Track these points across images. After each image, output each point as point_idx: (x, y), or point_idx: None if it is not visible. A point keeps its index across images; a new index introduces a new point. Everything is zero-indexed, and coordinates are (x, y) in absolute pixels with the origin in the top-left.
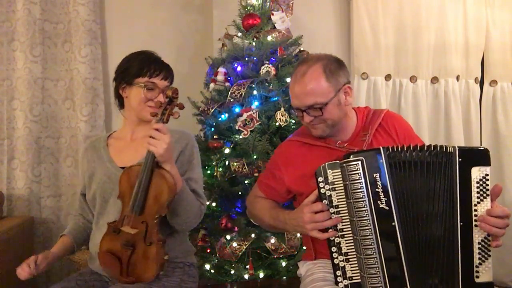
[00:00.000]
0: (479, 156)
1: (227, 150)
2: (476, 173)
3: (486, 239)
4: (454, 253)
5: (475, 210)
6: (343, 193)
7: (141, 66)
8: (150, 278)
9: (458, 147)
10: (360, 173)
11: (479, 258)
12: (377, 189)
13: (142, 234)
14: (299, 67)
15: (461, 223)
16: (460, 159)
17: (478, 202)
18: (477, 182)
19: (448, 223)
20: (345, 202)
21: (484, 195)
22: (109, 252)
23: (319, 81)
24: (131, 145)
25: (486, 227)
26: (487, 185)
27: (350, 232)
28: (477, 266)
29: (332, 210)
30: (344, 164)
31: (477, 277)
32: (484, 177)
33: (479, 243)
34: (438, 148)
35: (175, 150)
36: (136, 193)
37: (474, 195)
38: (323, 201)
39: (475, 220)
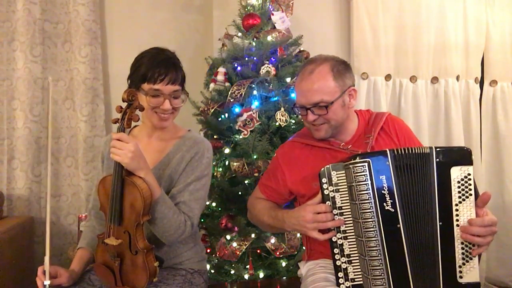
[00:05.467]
0: (459, 156)
1: (227, 150)
2: (457, 172)
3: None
4: (434, 253)
5: (457, 210)
6: (347, 195)
7: (147, 69)
8: (143, 286)
9: (435, 147)
10: (366, 174)
11: (462, 258)
12: (383, 191)
13: (127, 244)
14: (306, 66)
15: (440, 223)
16: (437, 159)
17: (460, 202)
18: (458, 182)
19: (430, 224)
20: (348, 204)
21: (467, 194)
22: (102, 264)
23: (326, 80)
24: (147, 149)
25: (467, 238)
26: (470, 184)
27: (353, 233)
28: (460, 266)
29: (335, 211)
30: (351, 166)
31: (461, 277)
32: (466, 177)
33: (462, 243)
34: (417, 150)
35: (184, 160)
36: (111, 203)
37: (455, 194)
38: (327, 203)
39: (457, 220)
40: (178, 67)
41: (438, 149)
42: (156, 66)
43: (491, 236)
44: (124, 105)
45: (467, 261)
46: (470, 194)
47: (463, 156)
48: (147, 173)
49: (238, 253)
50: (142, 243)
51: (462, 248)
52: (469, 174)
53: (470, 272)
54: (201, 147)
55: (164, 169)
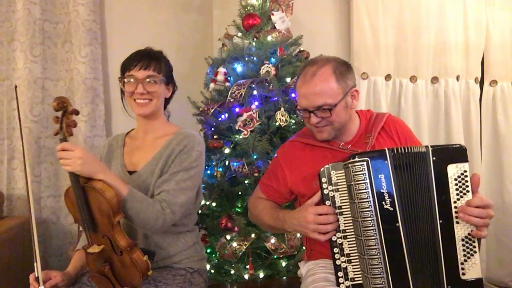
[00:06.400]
0: (454, 153)
1: (227, 150)
2: (453, 170)
3: (470, 235)
4: (436, 251)
5: (455, 208)
6: (347, 194)
7: (126, 61)
8: (139, 282)
9: (431, 146)
10: (365, 173)
11: (464, 255)
12: (382, 190)
13: (109, 247)
14: (307, 68)
15: (440, 221)
16: (433, 158)
17: (458, 199)
18: (455, 179)
19: (430, 222)
20: (348, 203)
21: (464, 191)
22: (97, 273)
23: (329, 82)
24: (142, 147)
25: (465, 217)
26: (467, 181)
27: (353, 233)
28: (462, 263)
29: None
30: (350, 165)
31: (463, 274)
32: (462, 174)
33: (462, 240)
34: (414, 149)
35: (174, 152)
36: (80, 214)
37: (453, 192)
38: (326, 202)
39: (457, 218)
40: (154, 56)
41: (433, 148)
42: (133, 56)
43: (488, 219)
44: (59, 114)
45: (469, 258)
46: (468, 191)
47: (458, 154)
48: (105, 174)
49: (238, 253)
50: (124, 242)
51: (463, 245)
52: (465, 171)
53: (472, 269)
54: (191, 141)
55: (157, 164)
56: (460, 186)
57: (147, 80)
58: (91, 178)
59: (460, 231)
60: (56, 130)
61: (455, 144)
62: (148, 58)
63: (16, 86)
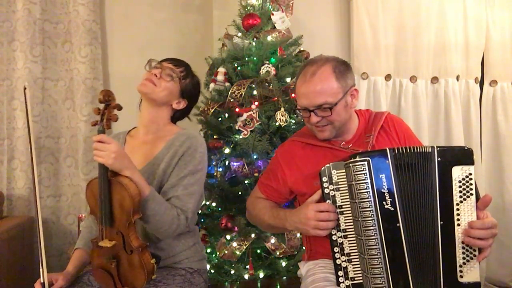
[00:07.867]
0: (460, 156)
1: (227, 150)
2: (458, 172)
3: None
4: (435, 252)
5: (458, 210)
6: (347, 194)
7: (165, 58)
8: (142, 284)
9: (436, 146)
10: (366, 173)
11: (463, 258)
12: (382, 190)
13: (121, 244)
14: (307, 67)
15: (441, 222)
16: (438, 159)
17: (461, 201)
18: (459, 182)
19: (431, 223)
20: (348, 203)
21: (468, 194)
22: (100, 268)
23: (329, 81)
24: (143, 146)
25: (469, 241)
26: (471, 184)
27: (353, 232)
28: (460, 266)
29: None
30: (350, 164)
31: (461, 276)
32: (467, 176)
33: (462, 242)
34: (418, 149)
35: (177, 154)
36: (100, 206)
37: (456, 194)
38: (327, 201)
39: (458, 220)
40: (188, 67)
41: (439, 149)
42: (174, 58)
43: (492, 239)
44: (101, 106)
45: (468, 261)
46: (471, 194)
47: (464, 156)
48: (133, 171)
49: (238, 253)
50: (136, 242)
51: (463, 248)
52: (470, 174)
53: (470, 272)
54: (194, 142)
55: (159, 164)
56: (463, 189)
57: (168, 70)
58: (118, 173)
59: (461, 233)
60: (96, 120)
61: (462, 146)
62: (183, 64)
63: (25, 88)
